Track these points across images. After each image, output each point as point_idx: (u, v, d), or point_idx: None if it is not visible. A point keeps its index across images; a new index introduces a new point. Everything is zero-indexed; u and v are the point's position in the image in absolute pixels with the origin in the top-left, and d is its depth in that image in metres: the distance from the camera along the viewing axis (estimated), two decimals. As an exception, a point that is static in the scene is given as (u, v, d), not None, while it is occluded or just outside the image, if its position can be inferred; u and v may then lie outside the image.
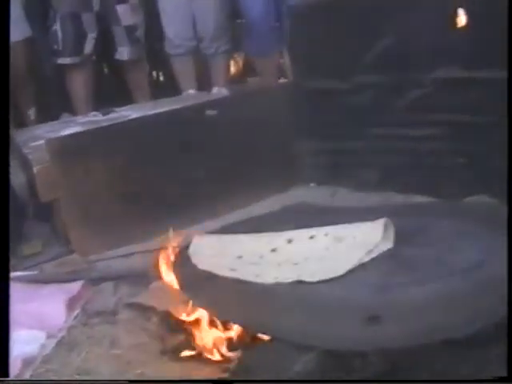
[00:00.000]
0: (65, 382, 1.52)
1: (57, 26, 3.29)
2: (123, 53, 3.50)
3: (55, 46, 3.33)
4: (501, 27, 1.63)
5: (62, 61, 3.36)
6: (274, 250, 1.63)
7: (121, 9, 3.42)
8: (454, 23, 2.03)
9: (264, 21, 3.35)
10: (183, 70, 3.66)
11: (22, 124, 3.25)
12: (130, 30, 3.47)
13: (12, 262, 1.76)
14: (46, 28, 3.35)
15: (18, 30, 3.21)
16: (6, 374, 1.34)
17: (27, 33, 3.29)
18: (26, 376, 1.52)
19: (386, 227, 1.58)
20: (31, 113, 3.32)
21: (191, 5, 3.48)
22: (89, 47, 3.37)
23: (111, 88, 3.82)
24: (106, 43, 3.51)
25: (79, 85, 3.42)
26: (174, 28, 3.55)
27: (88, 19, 3.33)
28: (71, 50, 3.33)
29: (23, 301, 1.72)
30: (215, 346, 1.52)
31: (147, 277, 1.91)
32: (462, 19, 2.03)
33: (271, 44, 3.40)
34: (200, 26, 3.52)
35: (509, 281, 1.26)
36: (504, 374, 1.16)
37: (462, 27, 2.02)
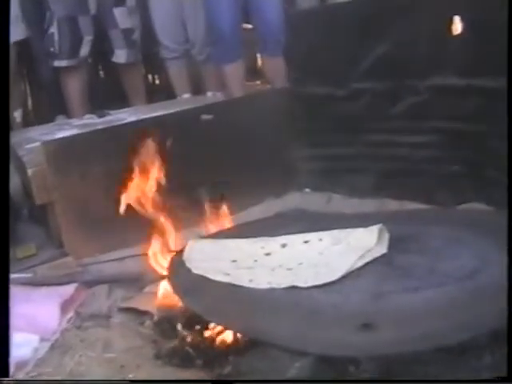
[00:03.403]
0: (65, 382, 1.52)
1: (53, 29, 3.30)
2: (120, 56, 3.50)
3: (52, 49, 3.33)
4: (499, 34, 1.64)
5: (58, 63, 3.36)
6: (268, 255, 1.63)
7: (118, 12, 3.43)
8: (450, 30, 2.04)
9: (231, 30, 3.34)
10: (178, 74, 3.68)
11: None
12: (127, 33, 3.48)
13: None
14: (42, 30, 3.35)
15: (18, 30, 3.22)
16: (6, 374, 1.34)
17: (25, 34, 3.29)
18: (19, 380, 1.52)
19: (380, 233, 1.58)
20: (17, 115, 3.30)
21: (182, 11, 3.50)
22: (85, 50, 3.37)
23: (107, 91, 3.82)
24: (102, 46, 3.51)
25: (75, 87, 3.43)
26: (166, 32, 3.57)
27: (85, 22, 3.34)
28: (68, 52, 3.33)
29: (17, 303, 1.70)
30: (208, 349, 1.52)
31: (141, 280, 1.91)
32: (458, 27, 2.03)
33: (236, 52, 3.40)
34: (190, 31, 3.54)
35: (509, 283, 1.26)
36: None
37: (459, 34, 2.02)
